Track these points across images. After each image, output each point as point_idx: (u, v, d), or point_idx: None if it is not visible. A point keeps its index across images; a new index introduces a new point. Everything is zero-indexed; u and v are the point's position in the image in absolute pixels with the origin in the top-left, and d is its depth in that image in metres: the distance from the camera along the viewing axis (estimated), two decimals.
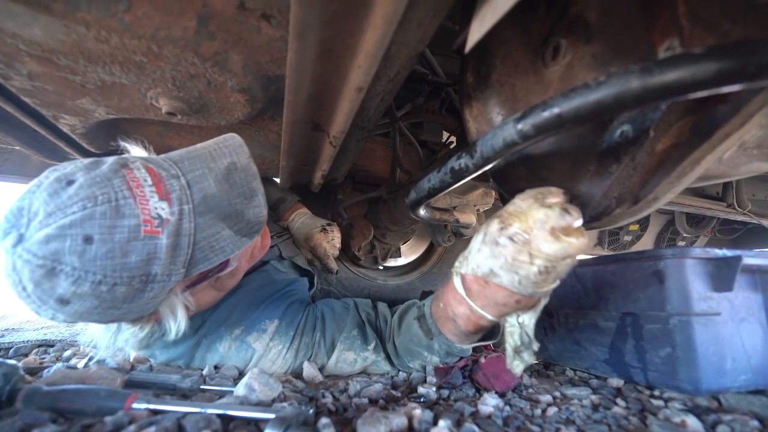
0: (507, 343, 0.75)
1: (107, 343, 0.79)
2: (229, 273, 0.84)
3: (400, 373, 0.95)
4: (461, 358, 0.89)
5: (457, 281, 0.75)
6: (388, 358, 0.96)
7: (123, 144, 0.77)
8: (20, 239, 0.58)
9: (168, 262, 0.65)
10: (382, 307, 1.06)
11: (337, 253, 1.38)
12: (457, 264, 0.77)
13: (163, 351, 0.89)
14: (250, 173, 0.74)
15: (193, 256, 0.68)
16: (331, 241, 1.35)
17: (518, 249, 0.63)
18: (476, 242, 0.71)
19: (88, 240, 0.58)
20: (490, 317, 0.73)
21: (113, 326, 0.77)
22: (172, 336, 0.77)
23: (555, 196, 0.66)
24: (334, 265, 1.36)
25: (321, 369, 0.93)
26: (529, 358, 0.72)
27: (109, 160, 0.67)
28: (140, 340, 0.80)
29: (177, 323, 0.75)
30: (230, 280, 0.89)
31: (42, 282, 0.59)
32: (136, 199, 0.62)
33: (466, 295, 0.74)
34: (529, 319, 0.72)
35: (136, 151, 0.77)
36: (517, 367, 0.72)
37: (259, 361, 0.89)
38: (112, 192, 0.61)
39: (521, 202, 0.67)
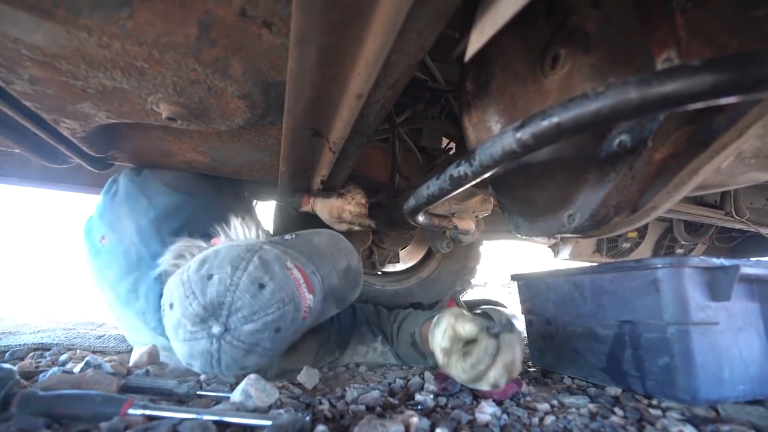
0: None
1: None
2: None
3: (398, 380, 0.95)
4: None
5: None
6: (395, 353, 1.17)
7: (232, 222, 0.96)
8: (226, 329, 0.73)
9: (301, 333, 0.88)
10: (383, 309, 1.29)
11: (365, 210, 1.33)
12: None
13: None
14: (359, 273, 1.02)
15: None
16: (351, 202, 1.32)
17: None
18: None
19: (278, 330, 0.77)
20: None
21: None
22: None
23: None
24: (368, 221, 1.33)
25: (333, 361, 1.14)
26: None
27: (274, 259, 0.81)
28: None
29: None
30: None
31: (239, 359, 0.75)
32: (303, 298, 0.81)
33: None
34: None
35: (239, 230, 0.94)
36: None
37: None
38: (291, 294, 0.79)
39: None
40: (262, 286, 0.76)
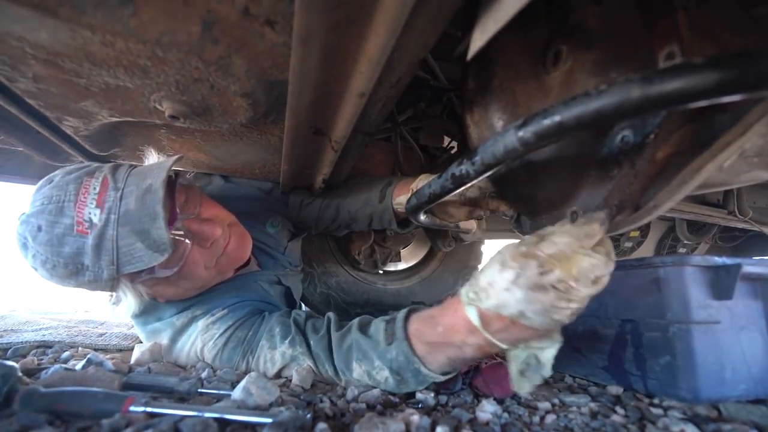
0: (511, 365, 0.71)
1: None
2: (179, 275, 0.90)
3: None
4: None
5: (471, 313, 0.69)
6: (310, 352, 0.88)
7: (146, 149, 0.94)
8: (23, 215, 0.81)
9: (95, 258, 0.79)
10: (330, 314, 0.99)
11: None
12: (471, 295, 0.69)
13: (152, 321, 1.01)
14: (156, 197, 0.79)
15: (119, 258, 0.80)
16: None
17: (559, 296, 0.61)
18: (503, 279, 0.64)
19: (39, 228, 0.78)
20: (504, 347, 0.70)
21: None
22: (133, 310, 0.94)
23: (597, 234, 0.62)
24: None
25: (247, 369, 0.91)
26: (536, 380, 0.69)
27: (90, 166, 0.85)
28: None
29: (128, 303, 0.91)
30: (184, 281, 0.94)
31: (21, 250, 0.83)
32: (76, 204, 0.78)
33: (483, 329, 0.69)
34: (539, 344, 0.69)
35: (152, 157, 0.93)
36: (523, 388, 0.69)
37: (198, 336, 0.95)
38: (63, 195, 0.79)
39: (563, 245, 0.61)
40: (49, 181, 0.82)
